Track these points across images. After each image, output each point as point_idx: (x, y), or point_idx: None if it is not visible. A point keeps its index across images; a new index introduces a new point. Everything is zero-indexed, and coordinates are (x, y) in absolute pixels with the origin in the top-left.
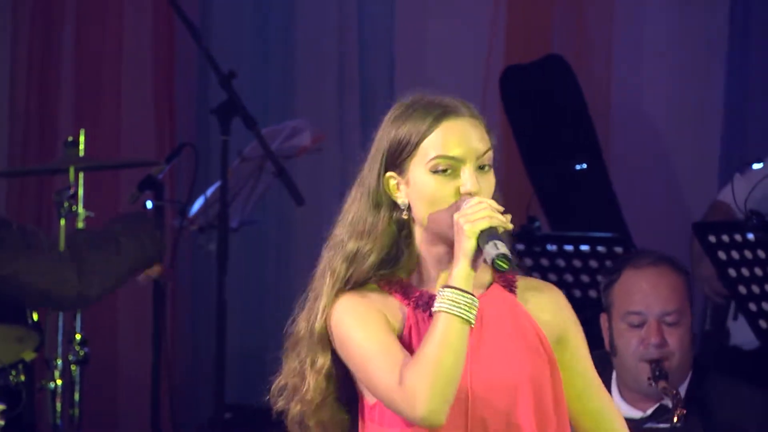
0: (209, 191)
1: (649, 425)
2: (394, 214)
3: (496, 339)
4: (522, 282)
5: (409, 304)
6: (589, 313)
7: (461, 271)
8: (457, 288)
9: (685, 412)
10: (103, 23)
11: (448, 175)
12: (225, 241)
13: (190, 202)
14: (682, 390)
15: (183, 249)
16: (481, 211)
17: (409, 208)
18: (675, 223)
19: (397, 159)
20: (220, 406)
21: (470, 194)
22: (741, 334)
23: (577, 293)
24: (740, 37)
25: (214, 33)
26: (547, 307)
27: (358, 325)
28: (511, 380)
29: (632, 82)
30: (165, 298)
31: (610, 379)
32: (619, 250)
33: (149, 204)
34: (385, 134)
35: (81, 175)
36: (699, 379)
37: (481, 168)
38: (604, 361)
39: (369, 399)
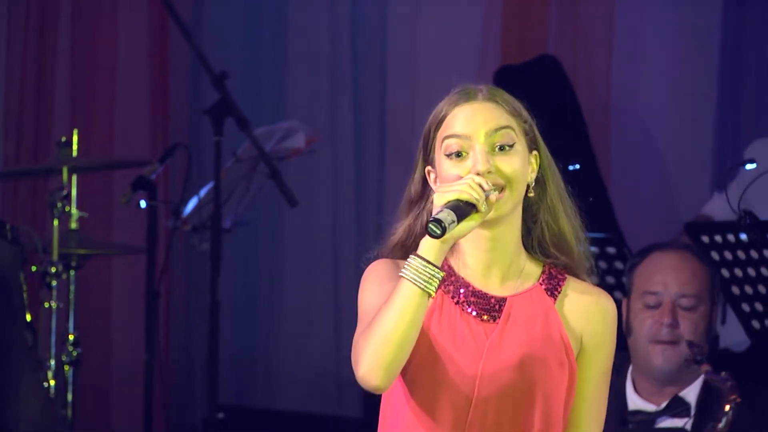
0: (202, 192)
1: (663, 419)
2: (429, 206)
3: (518, 341)
4: (572, 286)
5: (441, 286)
6: None
7: (428, 241)
8: (422, 258)
9: (739, 400)
10: (97, 24)
11: (461, 158)
12: (218, 241)
13: (183, 202)
14: (693, 395)
15: (176, 249)
16: (458, 185)
17: None
18: (668, 223)
19: (428, 153)
20: (214, 407)
21: (479, 174)
22: (730, 336)
23: None
24: (734, 38)
25: (207, 34)
26: (588, 317)
27: (369, 285)
28: (521, 385)
29: (629, 83)
30: (158, 299)
31: (626, 374)
32: (611, 250)
33: (143, 204)
34: (424, 129)
35: (74, 176)
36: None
37: (500, 149)
38: (622, 359)
39: None
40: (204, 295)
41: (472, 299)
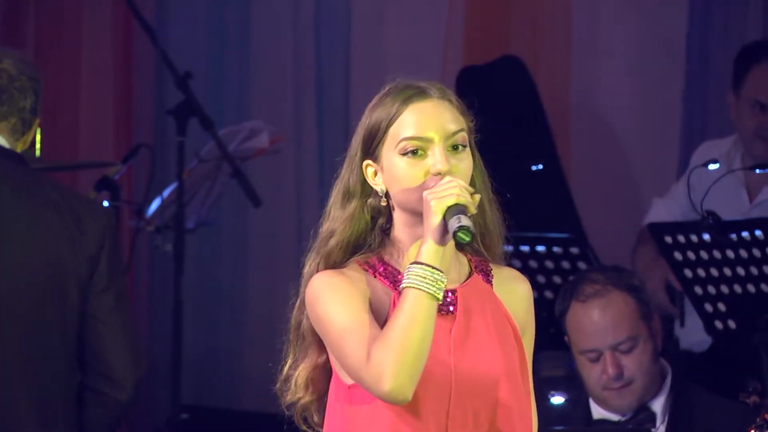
0: (166, 192)
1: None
2: (371, 201)
3: (479, 330)
4: (497, 271)
5: (395, 289)
6: (545, 313)
7: (429, 247)
8: (425, 264)
9: None
10: (61, 24)
11: (418, 156)
12: (181, 241)
13: (147, 202)
14: (660, 405)
15: (139, 249)
16: (450, 189)
17: (387, 195)
18: (631, 224)
19: (371, 146)
20: (177, 407)
21: (440, 173)
22: (689, 337)
23: (534, 294)
24: (698, 36)
25: (170, 34)
26: (518, 300)
27: (334, 301)
28: (493, 372)
29: (590, 82)
30: None
31: (587, 394)
32: (575, 250)
33: (106, 204)
34: (361, 124)
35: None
36: (678, 393)
37: (454, 148)
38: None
39: (346, 379)
40: (167, 295)
41: None
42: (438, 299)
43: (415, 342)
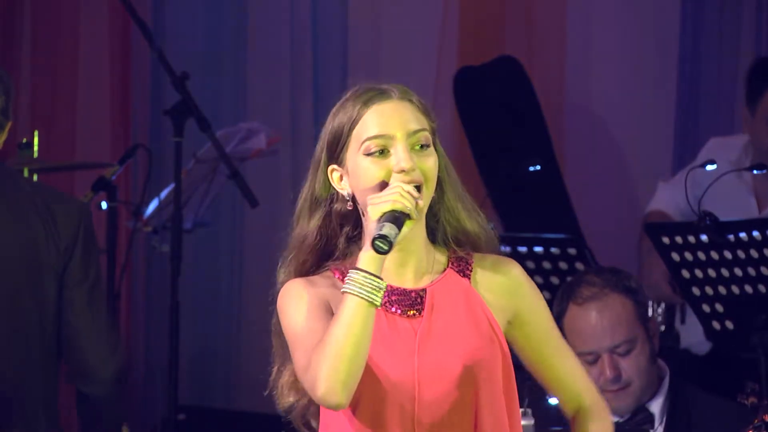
0: (163, 193)
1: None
2: (337, 206)
3: (446, 327)
4: (480, 263)
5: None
6: None
7: (367, 253)
8: (362, 270)
9: None
10: (58, 25)
11: (381, 156)
12: (178, 242)
13: (144, 203)
14: (657, 406)
15: (137, 250)
16: (389, 195)
17: (354, 199)
18: (628, 224)
19: (335, 151)
20: (174, 407)
21: (403, 170)
22: (690, 336)
23: None
24: (691, 35)
25: (168, 35)
26: (499, 287)
27: (293, 309)
28: (459, 370)
29: (584, 82)
30: (118, 300)
31: None
32: (572, 251)
33: (103, 205)
34: (324, 129)
35: (35, 177)
36: (676, 394)
37: (420, 148)
38: None
39: None
40: (164, 296)
41: (393, 298)
42: (376, 305)
43: (348, 348)
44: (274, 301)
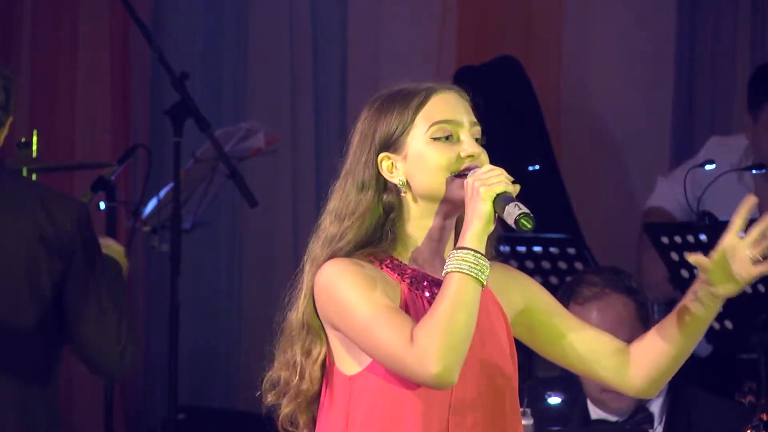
0: (162, 192)
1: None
2: (384, 197)
3: (481, 319)
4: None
5: (403, 281)
6: None
7: (475, 232)
8: (470, 249)
9: None
10: (57, 25)
11: (448, 141)
12: (178, 242)
13: (143, 203)
14: (657, 406)
15: (136, 250)
16: (498, 176)
17: (406, 186)
18: (626, 223)
19: (392, 138)
20: (174, 407)
21: (472, 156)
22: None
23: None
24: (688, 35)
25: (167, 34)
26: (510, 284)
27: (355, 288)
28: (495, 360)
29: (582, 82)
30: None
31: (584, 395)
32: (571, 251)
33: (102, 205)
34: (372, 120)
35: (34, 177)
36: (676, 394)
37: (476, 141)
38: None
39: (347, 370)
40: (164, 296)
41: (435, 290)
42: (483, 284)
43: (461, 325)
44: (273, 301)
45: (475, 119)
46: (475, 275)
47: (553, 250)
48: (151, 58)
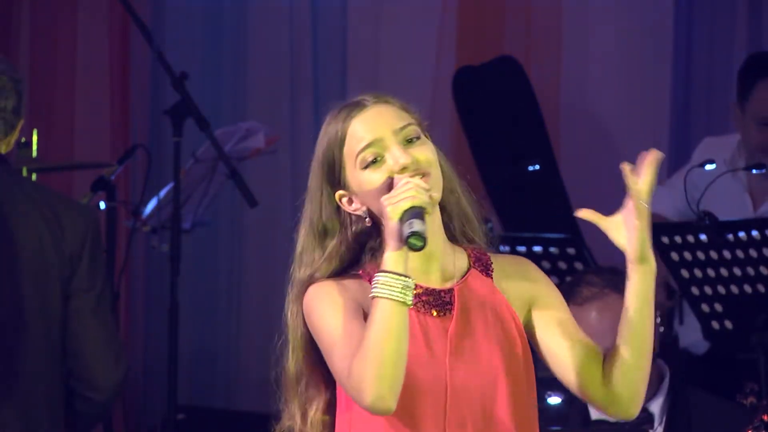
0: (162, 192)
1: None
2: (353, 228)
3: (476, 330)
4: (495, 260)
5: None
6: None
7: (391, 253)
8: (389, 271)
9: None
10: (57, 25)
11: (378, 163)
12: (178, 242)
13: (143, 203)
14: (657, 406)
15: (136, 250)
16: (405, 192)
17: (371, 213)
18: None
19: (335, 177)
20: (173, 407)
21: (405, 168)
22: (688, 335)
23: None
24: (685, 35)
25: (166, 34)
26: (516, 273)
27: (326, 311)
28: (490, 373)
29: (580, 82)
30: (117, 299)
31: None
32: (571, 251)
33: (102, 205)
34: (315, 160)
35: (34, 177)
36: (676, 394)
37: (409, 141)
38: None
39: None
40: (163, 296)
41: (424, 299)
42: (408, 304)
43: (390, 352)
44: (273, 300)
45: (401, 122)
46: (395, 298)
47: (553, 250)
48: (151, 58)
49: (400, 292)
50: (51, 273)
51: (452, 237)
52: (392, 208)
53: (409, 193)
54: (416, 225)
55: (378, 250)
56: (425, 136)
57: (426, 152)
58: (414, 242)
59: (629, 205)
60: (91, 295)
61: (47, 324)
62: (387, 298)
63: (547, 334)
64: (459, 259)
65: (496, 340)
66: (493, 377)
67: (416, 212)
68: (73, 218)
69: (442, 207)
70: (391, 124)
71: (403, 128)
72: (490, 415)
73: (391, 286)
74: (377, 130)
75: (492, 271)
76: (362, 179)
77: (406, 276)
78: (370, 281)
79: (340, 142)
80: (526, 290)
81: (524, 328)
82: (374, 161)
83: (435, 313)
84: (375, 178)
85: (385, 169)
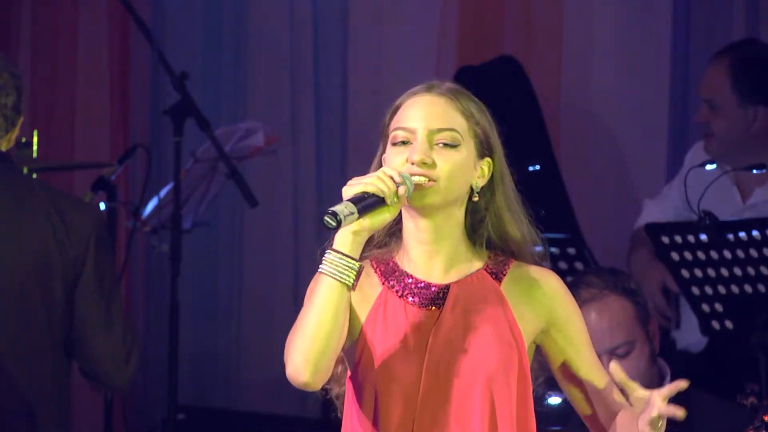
0: (162, 192)
1: None
2: None
3: (464, 327)
4: (517, 270)
5: (384, 282)
6: None
7: (339, 233)
8: (337, 251)
9: None
10: (57, 25)
11: (405, 146)
12: (178, 242)
13: (143, 203)
14: None
15: (136, 250)
16: (369, 177)
17: None
18: (626, 223)
19: (384, 141)
20: (173, 407)
21: (414, 163)
22: (685, 338)
23: None
24: (683, 35)
25: (167, 34)
26: (535, 293)
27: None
28: (467, 370)
29: (582, 82)
30: None
31: None
32: (571, 251)
33: (102, 205)
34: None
35: (34, 176)
36: (676, 395)
37: (443, 146)
38: None
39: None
40: (164, 296)
41: (415, 290)
42: (347, 285)
43: (317, 328)
44: (273, 300)
45: (442, 124)
46: (333, 276)
47: (553, 250)
48: (151, 57)
49: (342, 272)
50: (55, 275)
51: (475, 242)
52: (346, 188)
53: (371, 179)
54: (339, 206)
55: (396, 234)
56: (473, 149)
57: (448, 162)
58: (326, 220)
59: (655, 402)
60: (97, 298)
61: (52, 326)
62: (328, 275)
63: (554, 365)
64: (473, 260)
65: (484, 342)
66: (471, 378)
67: (362, 197)
68: (80, 219)
69: (479, 213)
70: (431, 122)
71: (440, 130)
72: (464, 419)
73: (335, 264)
74: (417, 120)
75: (504, 276)
76: (388, 152)
77: (351, 258)
78: (375, 269)
79: (393, 111)
80: (544, 311)
81: (540, 342)
82: (402, 143)
83: (424, 306)
84: (393, 156)
85: (404, 154)
